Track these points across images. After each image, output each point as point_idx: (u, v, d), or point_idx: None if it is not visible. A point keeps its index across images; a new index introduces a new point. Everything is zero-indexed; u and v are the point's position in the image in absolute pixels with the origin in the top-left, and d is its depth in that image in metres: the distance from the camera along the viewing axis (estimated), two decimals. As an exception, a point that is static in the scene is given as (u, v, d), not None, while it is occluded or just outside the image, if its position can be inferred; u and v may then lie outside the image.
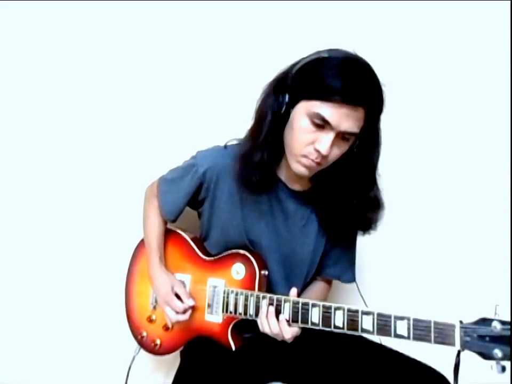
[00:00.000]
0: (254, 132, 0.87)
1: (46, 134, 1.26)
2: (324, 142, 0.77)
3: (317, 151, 0.78)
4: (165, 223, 1.08)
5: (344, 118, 0.75)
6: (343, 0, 1.25)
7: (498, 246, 1.25)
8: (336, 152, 0.81)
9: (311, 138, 0.79)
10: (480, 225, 1.27)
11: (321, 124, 0.76)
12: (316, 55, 0.80)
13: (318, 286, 1.06)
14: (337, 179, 0.88)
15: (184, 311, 0.96)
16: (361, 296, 1.04)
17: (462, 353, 0.70)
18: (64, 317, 1.27)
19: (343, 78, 0.74)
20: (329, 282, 1.09)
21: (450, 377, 0.77)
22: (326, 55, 0.78)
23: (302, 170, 0.83)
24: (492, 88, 1.26)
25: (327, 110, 0.75)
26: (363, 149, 0.83)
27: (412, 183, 1.27)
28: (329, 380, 0.90)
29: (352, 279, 1.05)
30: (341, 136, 0.78)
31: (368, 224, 0.91)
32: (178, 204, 1.01)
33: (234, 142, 0.96)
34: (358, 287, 1.03)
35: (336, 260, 1.03)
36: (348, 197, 0.88)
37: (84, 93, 1.26)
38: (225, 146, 0.96)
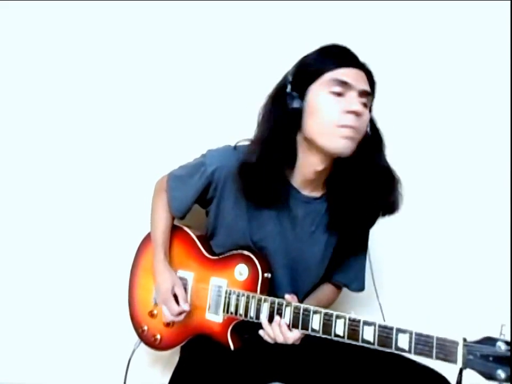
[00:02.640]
0: (262, 143, 0.87)
1: (54, 130, 1.27)
2: (353, 101, 0.79)
3: (351, 112, 0.79)
4: (172, 218, 1.08)
5: (357, 77, 0.81)
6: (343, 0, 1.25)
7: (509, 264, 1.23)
8: (366, 116, 0.83)
9: (339, 107, 0.79)
10: (489, 244, 1.26)
11: (341, 91, 0.80)
12: (306, 54, 0.86)
13: (326, 288, 1.06)
14: (352, 182, 0.89)
15: (179, 314, 0.96)
16: (380, 307, 1.03)
17: (464, 372, 0.69)
18: (66, 309, 1.28)
19: (340, 49, 0.84)
20: (338, 287, 1.08)
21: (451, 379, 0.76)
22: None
23: (342, 143, 0.80)
24: (492, 88, 1.25)
25: (341, 73, 0.80)
26: (370, 148, 0.86)
27: (417, 197, 1.24)
28: (328, 381, 0.90)
29: (361, 287, 1.04)
30: (362, 102, 0.81)
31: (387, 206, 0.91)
32: (186, 202, 1.01)
33: (244, 143, 0.95)
34: (377, 296, 1.02)
35: (346, 268, 1.03)
36: (363, 197, 0.88)
37: (93, 91, 1.27)
38: (235, 147, 0.95)
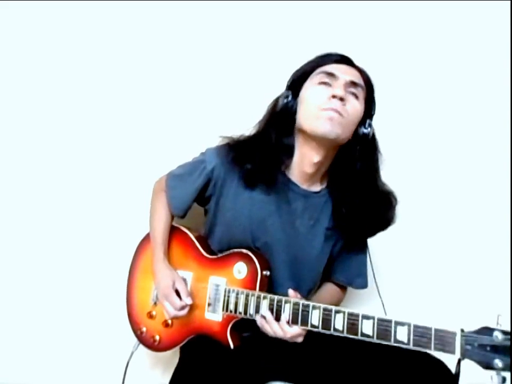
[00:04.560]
0: (261, 133, 0.93)
1: (53, 131, 1.27)
2: (337, 87, 0.85)
3: (334, 96, 0.84)
4: (171, 218, 1.08)
5: (345, 70, 0.87)
6: (344, 0, 1.26)
7: (506, 255, 1.24)
8: (353, 106, 0.86)
9: (325, 93, 0.85)
10: (486, 235, 1.26)
11: (328, 81, 0.86)
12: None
13: (329, 288, 1.07)
14: (351, 180, 0.92)
15: (182, 308, 0.96)
16: (382, 302, 1.03)
17: (462, 362, 0.70)
18: (64, 311, 1.27)
19: (332, 52, 0.91)
20: (342, 288, 1.09)
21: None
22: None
23: (326, 125, 0.85)
24: (492, 88, 1.26)
25: (329, 67, 0.87)
26: (366, 150, 0.91)
27: (416, 192, 1.26)
28: (329, 379, 0.90)
29: (364, 285, 1.05)
30: (350, 92, 0.86)
31: (385, 220, 0.95)
32: (186, 200, 1.01)
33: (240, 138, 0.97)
34: (379, 292, 1.03)
35: (348, 266, 1.04)
36: (363, 196, 0.91)
37: (91, 92, 1.27)
38: (232, 144, 0.97)
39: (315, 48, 0.90)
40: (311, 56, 0.92)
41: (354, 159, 0.91)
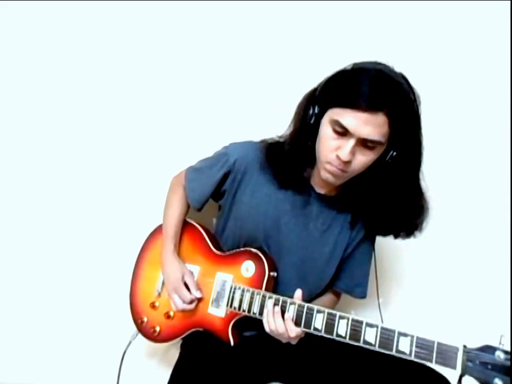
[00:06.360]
0: (290, 138, 0.92)
1: (67, 129, 1.28)
2: (344, 149, 0.79)
3: (338, 157, 0.81)
4: (186, 212, 1.10)
5: (363, 124, 0.76)
6: (346, 0, 1.26)
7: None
8: (362, 160, 0.82)
9: (334, 145, 0.81)
10: (492, 253, 1.24)
11: (342, 131, 0.79)
12: (340, 69, 0.84)
13: (327, 298, 1.07)
14: (367, 188, 0.90)
15: (191, 302, 0.98)
16: (380, 312, 1.04)
17: (463, 379, 0.70)
18: (65, 301, 1.27)
19: (360, 85, 0.77)
20: (337, 295, 1.10)
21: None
22: (349, 68, 0.83)
23: (328, 177, 0.86)
24: (492, 88, 1.24)
25: (346, 117, 0.78)
26: (397, 160, 0.83)
27: None
28: (329, 381, 0.90)
29: (363, 294, 1.05)
30: (364, 144, 0.79)
31: (400, 229, 0.93)
32: (205, 192, 1.03)
33: (270, 140, 0.98)
34: (378, 302, 1.03)
35: (350, 274, 1.04)
36: (379, 204, 0.90)
37: (107, 89, 1.28)
38: (260, 142, 0.99)
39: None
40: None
41: (374, 178, 0.88)
